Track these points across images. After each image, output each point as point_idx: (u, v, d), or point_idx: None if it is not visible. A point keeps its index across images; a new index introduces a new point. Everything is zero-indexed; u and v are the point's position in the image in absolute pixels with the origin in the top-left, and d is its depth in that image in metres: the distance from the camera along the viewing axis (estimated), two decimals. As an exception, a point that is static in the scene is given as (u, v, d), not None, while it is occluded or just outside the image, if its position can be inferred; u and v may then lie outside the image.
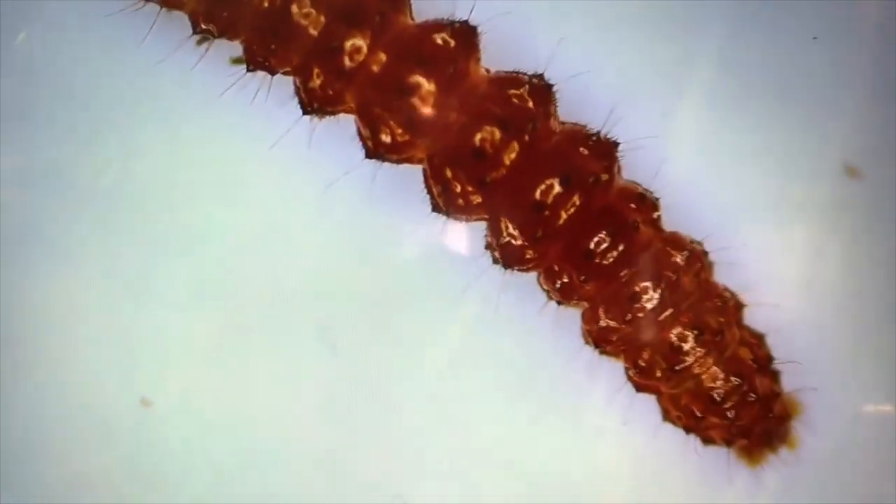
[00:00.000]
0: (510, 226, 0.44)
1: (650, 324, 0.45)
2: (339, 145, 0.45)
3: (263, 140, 0.46)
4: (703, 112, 0.50)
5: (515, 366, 0.50)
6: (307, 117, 0.45)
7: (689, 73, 0.49)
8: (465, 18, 0.44)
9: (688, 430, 0.48)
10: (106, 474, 0.50)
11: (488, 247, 0.46)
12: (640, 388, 0.47)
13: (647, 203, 0.45)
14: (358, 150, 0.45)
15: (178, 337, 0.50)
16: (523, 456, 0.50)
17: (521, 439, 0.50)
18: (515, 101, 0.43)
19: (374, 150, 0.44)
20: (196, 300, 0.50)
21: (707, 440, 0.48)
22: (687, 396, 0.46)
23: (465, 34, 0.44)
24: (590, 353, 0.47)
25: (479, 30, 0.44)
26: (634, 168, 0.46)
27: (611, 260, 0.44)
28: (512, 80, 0.44)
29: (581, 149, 0.44)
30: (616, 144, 0.45)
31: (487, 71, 0.45)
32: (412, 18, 0.45)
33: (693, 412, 0.47)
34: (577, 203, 0.43)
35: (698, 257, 0.46)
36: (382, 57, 0.43)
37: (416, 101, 0.43)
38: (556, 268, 0.45)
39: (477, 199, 0.44)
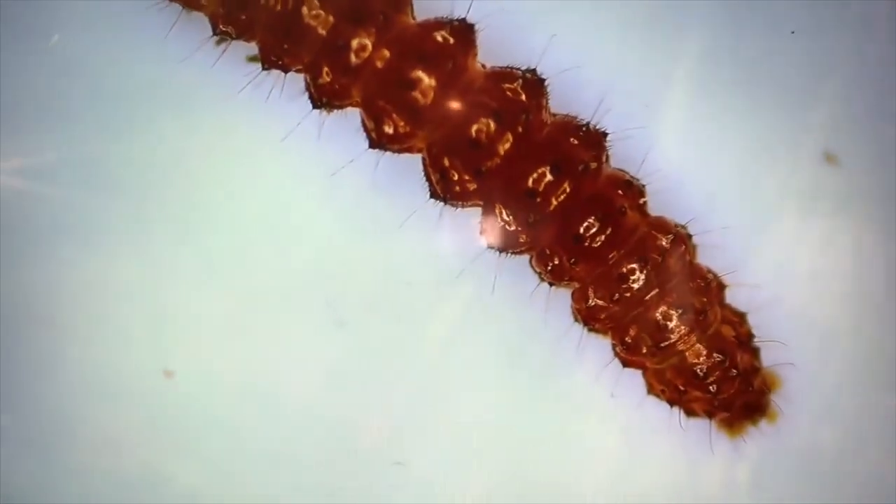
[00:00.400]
0: (504, 211, 0.45)
1: (636, 303, 0.45)
2: (345, 136, 0.46)
3: (276, 132, 0.47)
4: (687, 103, 0.50)
5: (509, 341, 0.50)
6: (316, 111, 0.46)
7: (674, 66, 0.49)
8: (462, 17, 0.45)
9: (672, 403, 0.49)
10: (133, 439, 0.51)
11: (483, 232, 0.46)
12: (626, 363, 0.48)
13: (633, 189, 0.46)
14: (362, 141, 0.46)
15: (198, 313, 0.51)
16: (516, 424, 0.51)
17: (514, 409, 0.51)
18: (510, 94, 0.44)
19: (378, 141, 0.45)
20: (214, 279, 0.50)
21: (690, 412, 0.49)
22: (671, 371, 0.47)
23: (463, 32, 0.45)
24: (579, 330, 0.48)
25: (477, 27, 0.45)
26: (622, 156, 0.46)
27: (599, 243, 0.44)
28: (506, 74, 0.45)
29: (571, 139, 0.45)
30: (605, 134, 0.45)
31: (484, 66, 0.46)
32: (413, 17, 0.46)
33: (677, 386, 0.47)
34: (568, 190, 0.44)
35: (683, 240, 0.46)
36: (386, 54, 0.44)
37: (417, 94, 0.43)
38: (548, 251, 0.45)
39: (473, 187, 0.45)
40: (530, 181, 0.44)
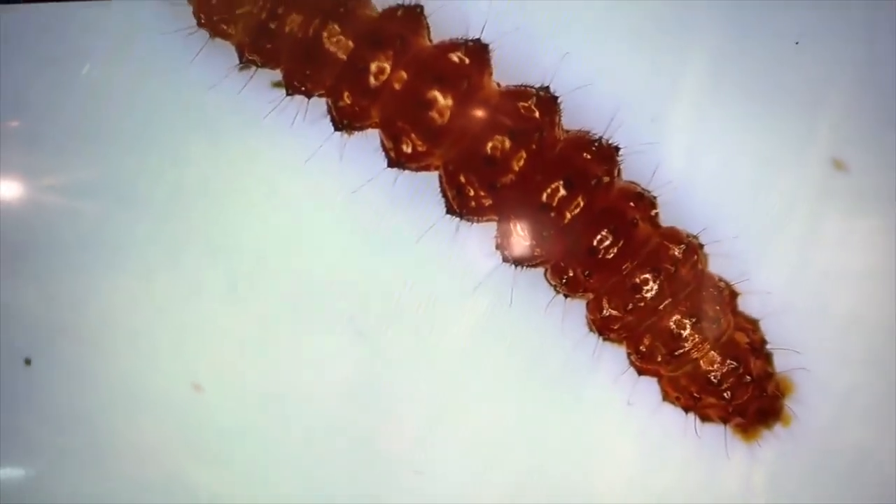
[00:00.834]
0: (519, 226, 0.46)
1: (650, 312, 0.46)
2: (364, 156, 0.47)
3: (299, 154, 0.48)
4: (695, 115, 0.50)
5: (526, 352, 0.51)
6: (338, 134, 0.47)
7: (683, 81, 0.50)
8: (477, 37, 0.45)
9: (687, 409, 0.49)
10: (163, 448, 0.52)
11: (499, 247, 0.47)
12: (641, 371, 0.48)
13: (645, 201, 0.46)
14: (380, 160, 0.47)
15: (224, 328, 0.51)
16: (534, 433, 0.51)
17: (531, 418, 0.51)
18: (524, 112, 0.45)
19: (396, 160, 0.46)
20: (240, 295, 0.51)
21: (705, 418, 0.49)
22: (686, 379, 0.48)
23: (478, 52, 0.45)
24: (594, 340, 0.48)
25: (491, 47, 0.46)
26: (633, 168, 0.47)
27: (612, 255, 0.45)
28: (521, 93, 0.46)
29: (584, 154, 0.45)
30: (617, 149, 0.46)
31: (498, 85, 0.46)
32: (430, 40, 0.46)
33: (692, 393, 0.48)
34: (581, 204, 0.45)
35: (694, 250, 0.47)
36: (403, 75, 0.45)
37: (434, 114, 0.44)
38: (562, 264, 0.46)
39: (488, 202, 0.45)
40: (544, 196, 0.45)
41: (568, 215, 0.45)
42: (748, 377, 0.48)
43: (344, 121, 0.46)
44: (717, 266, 0.48)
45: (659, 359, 0.47)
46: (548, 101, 0.46)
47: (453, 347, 0.51)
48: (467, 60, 0.45)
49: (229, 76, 0.48)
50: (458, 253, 0.49)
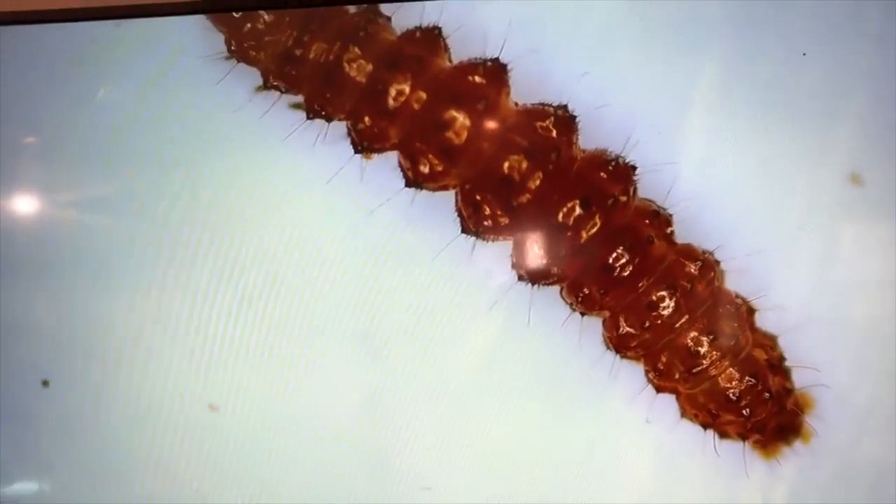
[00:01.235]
0: (535, 244, 0.46)
1: (667, 330, 0.46)
2: (382, 175, 0.48)
3: (318, 176, 0.48)
4: (711, 134, 0.49)
5: (542, 370, 0.50)
6: (357, 156, 0.48)
7: (697, 99, 0.49)
8: (496, 57, 0.46)
9: (705, 426, 0.49)
10: (178, 468, 0.52)
11: (514, 265, 0.47)
12: (659, 389, 0.48)
13: (660, 219, 0.47)
14: (398, 179, 0.47)
15: (239, 348, 0.52)
16: (550, 451, 0.51)
17: (548, 436, 0.51)
18: (541, 131, 0.45)
19: (414, 180, 0.47)
20: (256, 314, 0.51)
21: (724, 435, 0.49)
22: (704, 396, 0.48)
23: (496, 72, 0.46)
24: (612, 357, 0.48)
25: (509, 67, 0.46)
26: (649, 186, 0.47)
27: (628, 273, 0.45)
28: (538, 112, 0.46)
29: (601, 173, 0.46)
30: (633, 168, 0.46)
31: (516, 104, 0.46)
32: (449, 60, 0.47)
33: (710, 410, 0.48)
34: (598, 223, 0.45)
35: (711, 266, 0.47)
36: (422, 96, 0.45)
37: (451, 134, 0.45)
38: (578, 282, 0.46)
39: (504, 221, 0.46)
40: (561, 215, 0.45)
41: (584, 234, 0.46)
42: (767, 394, 0.48)
43: (364, 143, 0.47)
44: (733, 283, 0.48)
45: (677, 376, 0.48)
46: (565, 121, 0.46)
47: (468, 366, 0.51)
48: (485, 80, 0.46)
49: (252, 100, 0.48)
50: (473, 271, 0.49)
